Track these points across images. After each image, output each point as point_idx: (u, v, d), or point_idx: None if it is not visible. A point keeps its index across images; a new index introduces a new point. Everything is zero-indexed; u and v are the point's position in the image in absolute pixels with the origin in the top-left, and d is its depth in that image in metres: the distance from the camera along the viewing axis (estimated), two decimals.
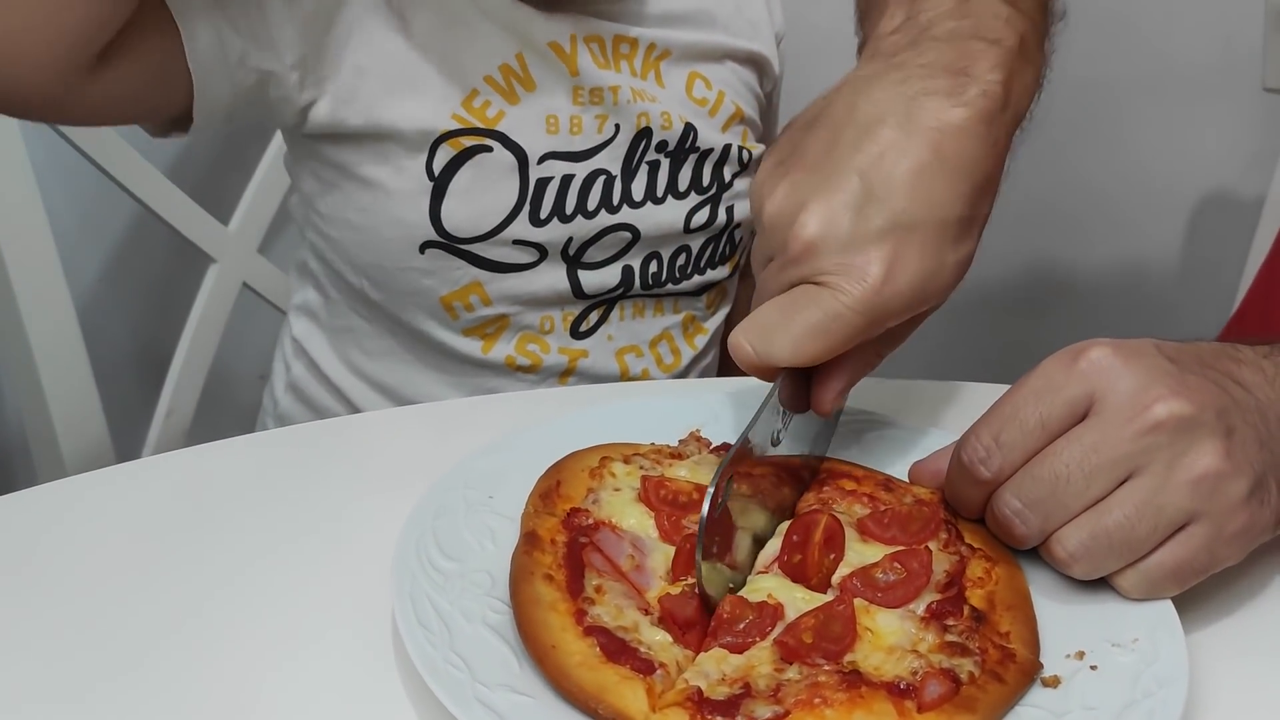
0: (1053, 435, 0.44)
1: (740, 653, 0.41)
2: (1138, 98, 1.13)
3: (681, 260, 0.78)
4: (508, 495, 0.49)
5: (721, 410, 0.56)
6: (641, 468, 0.50)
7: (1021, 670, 0.41)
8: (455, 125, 0.70)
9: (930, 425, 0.56)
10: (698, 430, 0.54)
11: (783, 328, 0.46)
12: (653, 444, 0.52)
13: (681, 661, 0.41)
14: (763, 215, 0.48)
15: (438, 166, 0.70)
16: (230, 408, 1.04)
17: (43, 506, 0.53)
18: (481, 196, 0.71)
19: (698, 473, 0.50)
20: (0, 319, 0.83)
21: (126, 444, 0.94)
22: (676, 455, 0.52)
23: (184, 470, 0.56)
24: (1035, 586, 0.45)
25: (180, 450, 0.58)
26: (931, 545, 0.46)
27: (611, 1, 0.74)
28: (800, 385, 0.49)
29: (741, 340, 0.47)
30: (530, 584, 0.42)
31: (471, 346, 0.75)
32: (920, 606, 0.43)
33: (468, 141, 0.70)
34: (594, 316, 0.76)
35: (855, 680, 0.39)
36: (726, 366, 0.88)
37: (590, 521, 0.47)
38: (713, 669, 0.40)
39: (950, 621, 0.42)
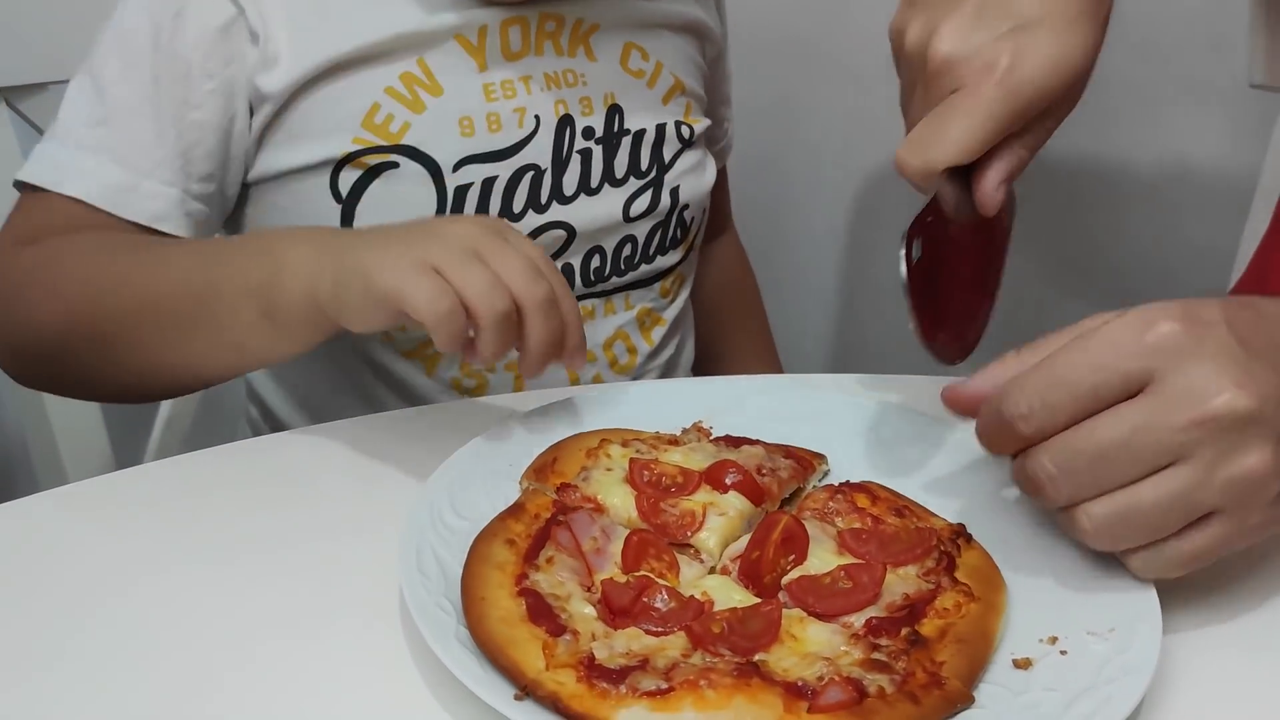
0: (1103, 406, 0.43)
1: (657, 634, 0.43)
2: (1124, 93, 1.14)
3: (627, 251, 0.75)
4: (521, 462, 0.53)
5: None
6: (638, 451, 0.51)
7: (945, 698, 0.40)
8: (355, 148, 0.67)
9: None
10: (700, 421, 0.55)
11: (937, 134, 0.50)
12: (656, 432, 0.53)
13: (597, 634, 0.42)
14: (903, 51, 0.53)
15: (343, 188, 0.68)
16: (227, 415, 1.05)
17: (46, 511, 0.54)
18: (393, 214, 0.66)
19: (690, 459, 0.52)
20: None
21: (127, 452, 0.95)
22: (674, 442, 0.53)
23: (184, 474, 0.57)
24: (1021, 570, 0.46)
25: (181, 456, 0.59)
26: (909, 569, 0.46)
27: None
28: (963, 191, 0.52)
29: (904, 156, 0.51)
30: (488, 543, 0.45)
31: (413, 371, 0.73)
32: (859, 621, 0.44)
33: (372, 160, 0.68)
34: None
35: (750, 672, 0.40)
36: (713, 360, 0.88)
37: (577, 497, 0.49)
38: (621, 644, 0.42)
39: (882, 641, 0.43)
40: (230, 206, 0.71)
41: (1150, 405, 0.42)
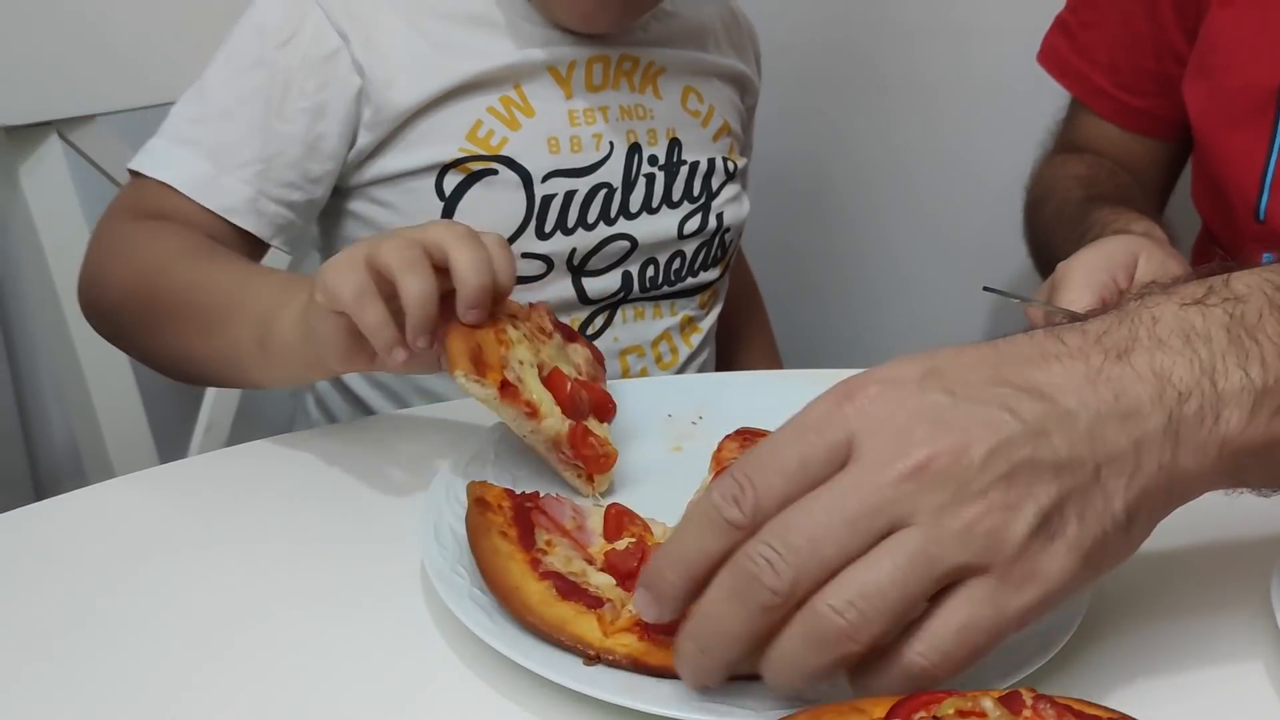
0: (814, 481, 0.39)
1: None
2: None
3: (676, 264, 0.85)
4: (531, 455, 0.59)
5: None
6: (528, 339, 0.59)
7: None
8: (461, 155, 0.77)
9: None
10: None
11: None
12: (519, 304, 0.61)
13: (625, 599, 0.47)
14: None
15: (448, 188, 0.77)
16: (264, 421, 1.11)
17: (90, 507, 0.60)
18: (490, 213, 0.77)
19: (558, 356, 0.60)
20: (53, 341, 0.91)
21: (171, 457, 1.00)
22: (542, 330, 0.61)
23: (216, 470, 0.63)
24: None
25: (213, 452, 0.65)
26: None
27: (631, 30, 0.81)
28: None
29: None
30: (488, 538, 0.49)
31: None
32: None
33: (475, 167, 0.77)
34: (599, 321, 0.84)
35: None
36: (725, 361, 0.97)
37: (522, 403, 0.55)
38: None
39: None
40: (317, 210, 0.80)
41: (857, 469, 0.39)
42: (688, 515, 0.42)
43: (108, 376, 0.92)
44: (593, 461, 0.57)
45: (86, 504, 0.59)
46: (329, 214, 0.82)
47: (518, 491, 0.53)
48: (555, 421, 0.57)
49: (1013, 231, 1.01)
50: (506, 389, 0.55)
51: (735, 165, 0.87)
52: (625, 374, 0.85)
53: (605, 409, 0.61)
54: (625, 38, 0.82)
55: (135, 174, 0.75)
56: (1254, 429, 0.41)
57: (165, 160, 0.74)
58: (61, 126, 0.88)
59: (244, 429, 1.04)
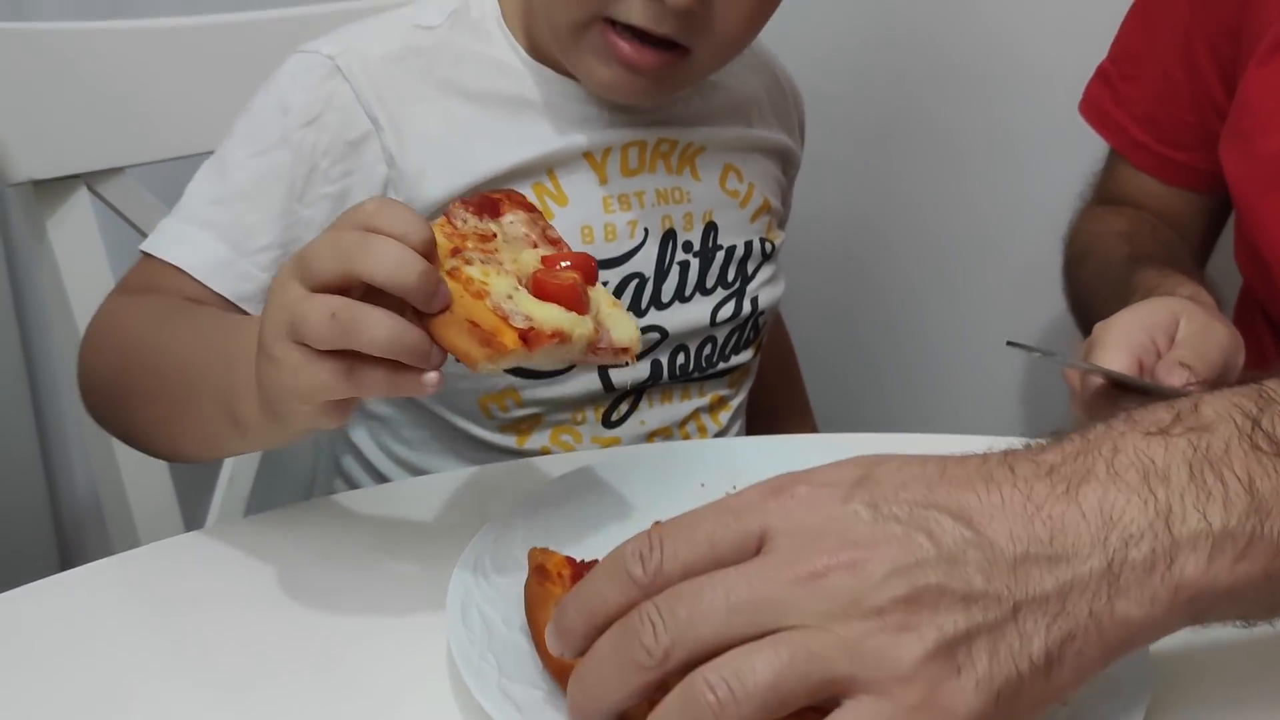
0: (719, 561, 0.40)
1: None
2: None
3: (708, 350, 0.81)
4: (560, 524, 0.57)
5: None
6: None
7: None
8: None
9: None
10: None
11: None
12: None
13: None
14: None
15: None
16: (286, 474, 1.10)
17: (111, 578, 0.59)
18: None
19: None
20: (77, 392, 0.90)
21: (192, 510, 1.00)
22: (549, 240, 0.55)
23: (242, 539, 0.61)
24: None
25: (239, 520, 0.63)
26: None
27: (671, 104, 0.77)
28: None
29: None
30: (546, 609, 0.47)
31: (507, 440, 0.78)
32: None
33: None
34: (624, 406, 0.79)
35: None
36: (758, 430, 0.94)
37: (586, 561, 0.51)
38: None
39: None
40: None
41: (759, 562, 0.39)
42: (602, 561, 0.43)
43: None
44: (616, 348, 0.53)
45: (109, 574, 0.58)
46: None
47: (578, 560, 0.51)
48: (581, 328, 0.51)
49: (1049, 285, 0.99)
50: (529, 338, 0.48)
51: (772, 245, 0.83)
52: None
53: (590, 271, 0.54)
54: (664, 114, 0.78)
55: (146, 255, 0.71)
56: (1213, 575, 0.39)
57: (180, 242, 0.70)
58: (90, 179, 0.87)
59: (267, 477, 1.03)
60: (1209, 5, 0.88)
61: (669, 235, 0.77)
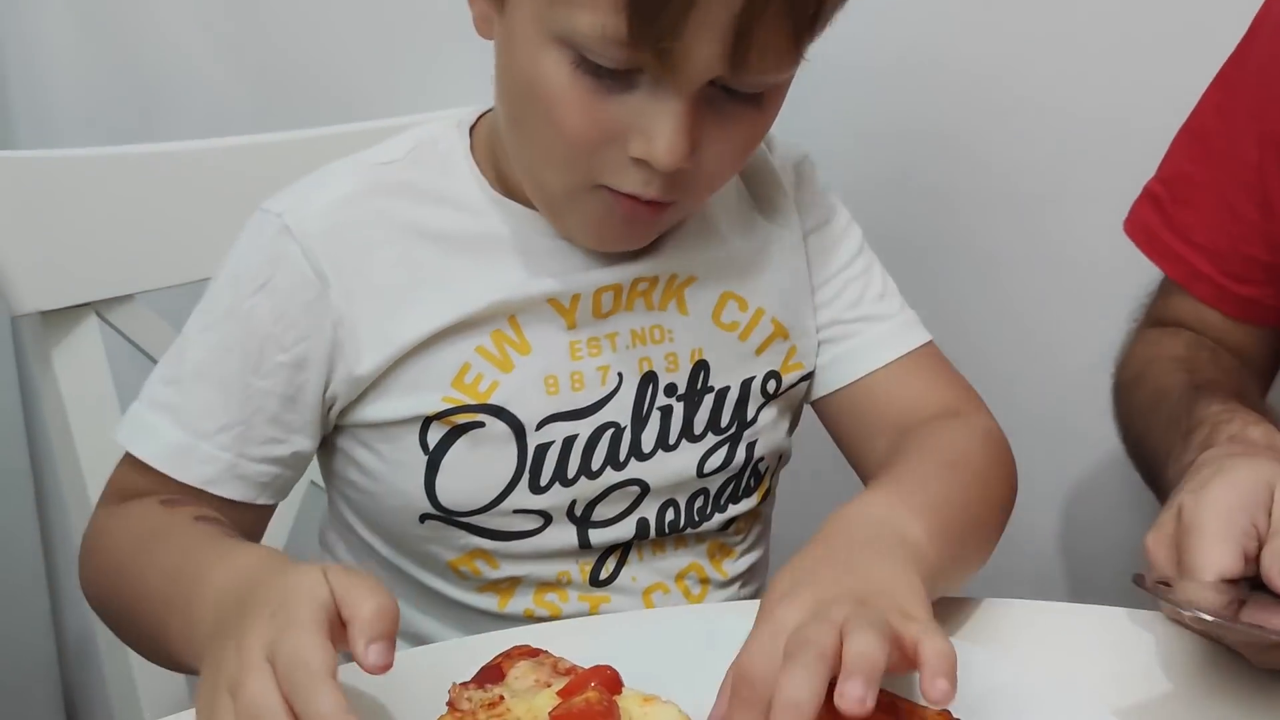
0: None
1: None
2: None
3: (700, 503, 0.74)
4: None
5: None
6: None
7: None
8: (445, 407, 0.68)
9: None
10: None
11: None
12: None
13: None
14: None
15: (431, 442, 0.69)
16: None
17: None
18: (477, 470, 0.69)
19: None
20: (82, 528, 0.87)
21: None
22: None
23: None
24: None
25: None
26: None
27: (651, 248, 0.71)
28: None
29: None
30: None
31: (487, 602, 0.73)
32: None
33: (460, 419, 0.69)
34: (612, 563, 0.74)
35: None
36: None
37: None
38: None
39: None
40: (307, 459, 0.73)
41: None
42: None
43: None
44: None
45: None
46: (323, 445, 0.74)
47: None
48: None
49: (1095, 412, 0.95)
50: None
51: (779, 382, 0.75)
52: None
53: (610, 681, 0.52)
54: (645, 250, 0.71)
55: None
56: None
57: (140, 431, 0.69)
58: (99, 306, 0.86)
59: None
60: None
61: (649, 378, 0.71)
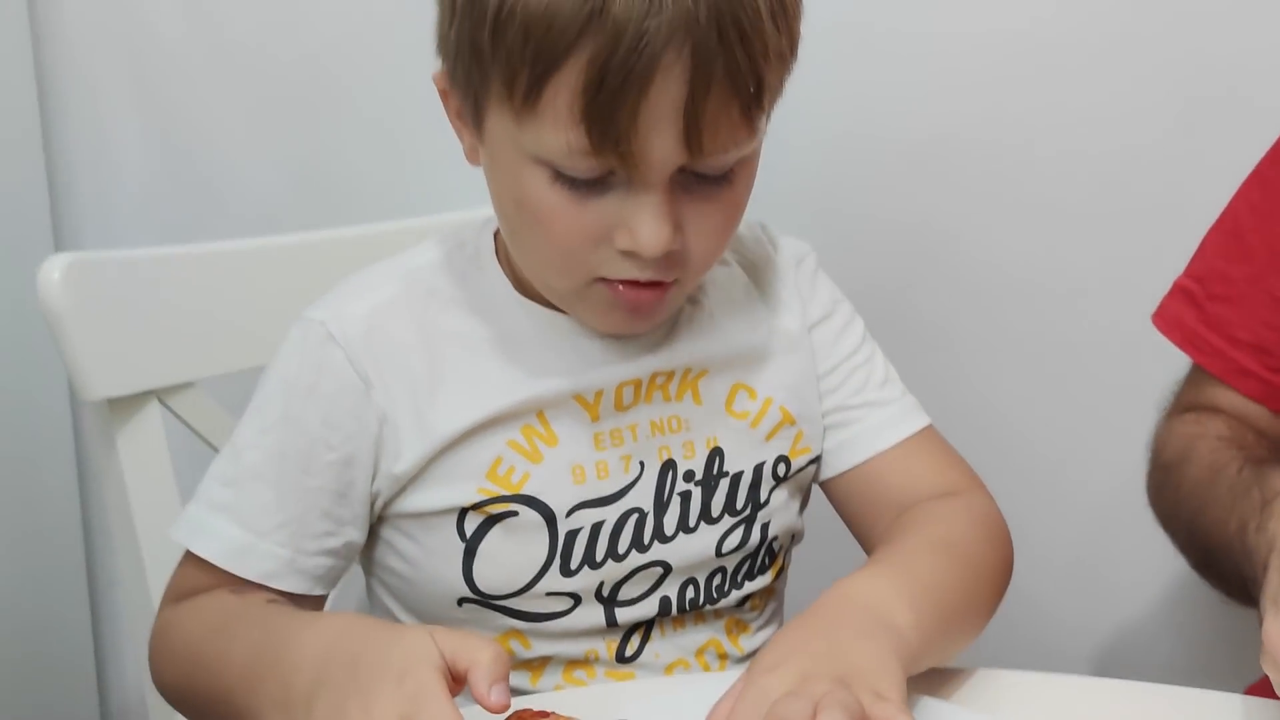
0: None
1: None
2: None
3: (718, 580, 0.78)
4: None
5: None
6: None
7: None
8: (480, 498, 0.73)
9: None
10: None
11: None
12: None
13: None
14: None
15: (468, 530, 0.74)
16: None
17: None
18: (512, 557, 0.73)
19: None
20: (135, 596, 0.91)
21: None
22: None
23: None
24: None
25: None
26: None
27: (664, 341, 0.76)
28: None
29: None
30: None
31: (520, 680, 0.77)
32: None
33: (494, 509, 0.73)
34: (636, 640, 0.77)
35: None
36: None
37: None
38: None
39: None
40: (358, 548, 0.77)
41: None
42: None
43: None
44: None
45: None
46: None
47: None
48: None
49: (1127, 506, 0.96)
50: None
51: (789, 466, 0.79)
52: None
53: None
54: (659, 345, 0.77)
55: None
56: None
57: (200, 531, 0.73)
58: (161, 393, 0.91)
59: None
60: None
61: (668, 465, 0.76)
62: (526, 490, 0.73)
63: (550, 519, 0.74)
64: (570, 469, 0.74)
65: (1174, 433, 0.90)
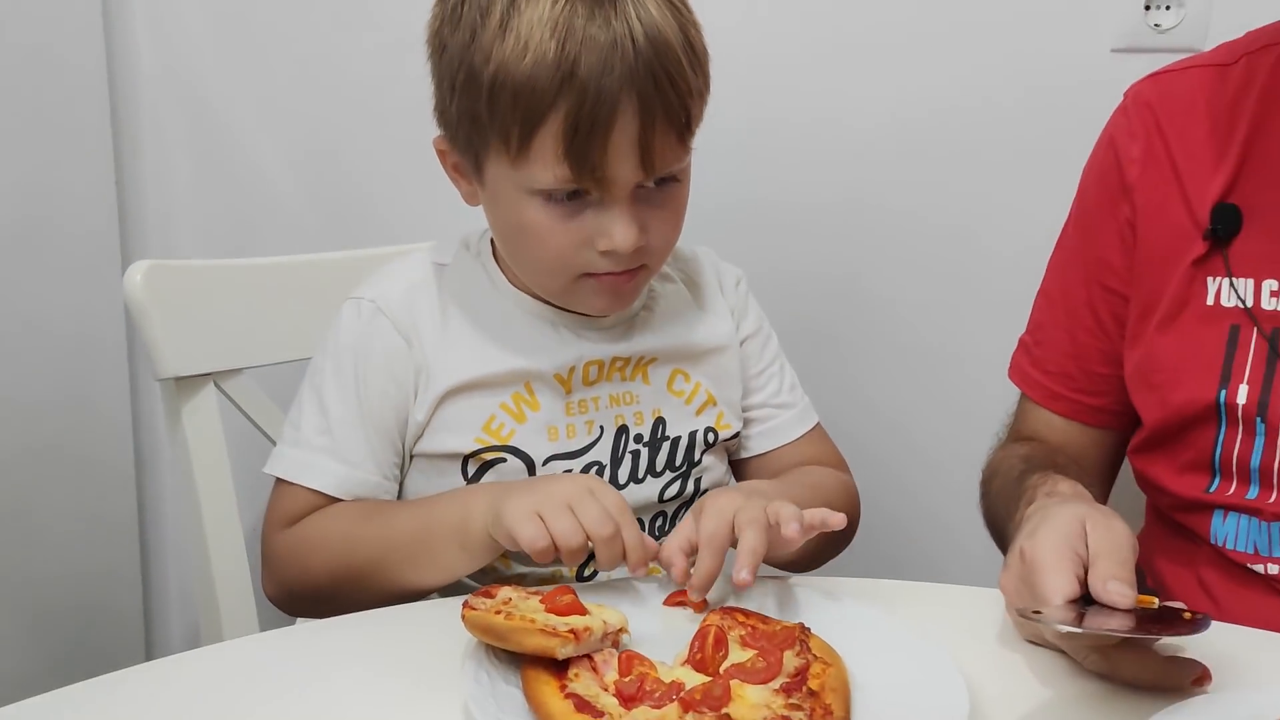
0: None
1: (658, 708, 0.67)
2: None
3: (660, 522, 0.99)
4: None
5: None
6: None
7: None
8: (477, 446, 0.92)
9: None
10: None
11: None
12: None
13: (622, 715, 0.66)
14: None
15: (469, 472, 0.93)
16: None
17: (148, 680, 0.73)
18: None
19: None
20: (187, 542, 1.10)
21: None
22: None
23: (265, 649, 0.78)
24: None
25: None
26: (787, 653, 0.72)
27: (625, 333, 0.95)
28: None
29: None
30: (535, 670, 0.69)
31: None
32: (776, 684, 0.69)
33: (488, 456, 0.93)
34: (592, 565, 0.94)
35: (726, 717, 0.65)
36: None
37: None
38: (640, 716, 0.67)
39: (793, 697, 0.68)
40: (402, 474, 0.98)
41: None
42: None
43: (230, 578, 1.09)
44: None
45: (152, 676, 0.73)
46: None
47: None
48: (594, 621, 0.72)
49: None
50: (578, 634, 0.69)
51: (716, 435, 0.99)
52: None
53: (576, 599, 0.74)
54: (619, 335, 0.95)
55: (279, 480, 0.93)
56: None
57: (308, 468, 0.92)
58: (217, 377, 1.09)
59: None
60: (1102, 280, 1.03)
61: (622, 430, 0.95)
62: (513, 443, 0.93)
63: (530, 466, 0.93)
64: (546, 429, 0.93)
65: (993, 458, 1.11)
